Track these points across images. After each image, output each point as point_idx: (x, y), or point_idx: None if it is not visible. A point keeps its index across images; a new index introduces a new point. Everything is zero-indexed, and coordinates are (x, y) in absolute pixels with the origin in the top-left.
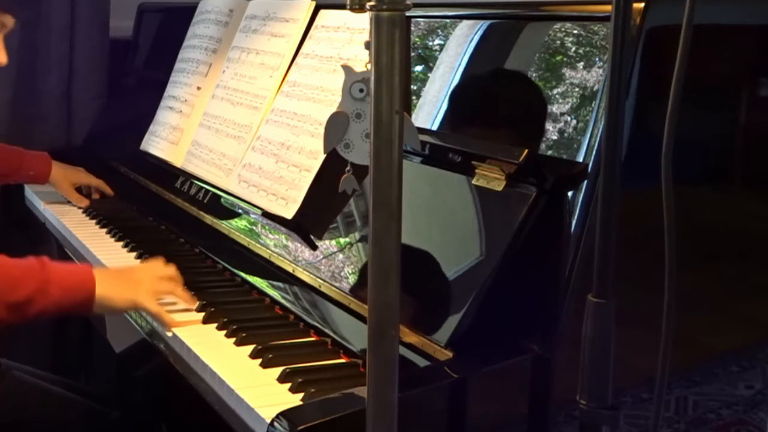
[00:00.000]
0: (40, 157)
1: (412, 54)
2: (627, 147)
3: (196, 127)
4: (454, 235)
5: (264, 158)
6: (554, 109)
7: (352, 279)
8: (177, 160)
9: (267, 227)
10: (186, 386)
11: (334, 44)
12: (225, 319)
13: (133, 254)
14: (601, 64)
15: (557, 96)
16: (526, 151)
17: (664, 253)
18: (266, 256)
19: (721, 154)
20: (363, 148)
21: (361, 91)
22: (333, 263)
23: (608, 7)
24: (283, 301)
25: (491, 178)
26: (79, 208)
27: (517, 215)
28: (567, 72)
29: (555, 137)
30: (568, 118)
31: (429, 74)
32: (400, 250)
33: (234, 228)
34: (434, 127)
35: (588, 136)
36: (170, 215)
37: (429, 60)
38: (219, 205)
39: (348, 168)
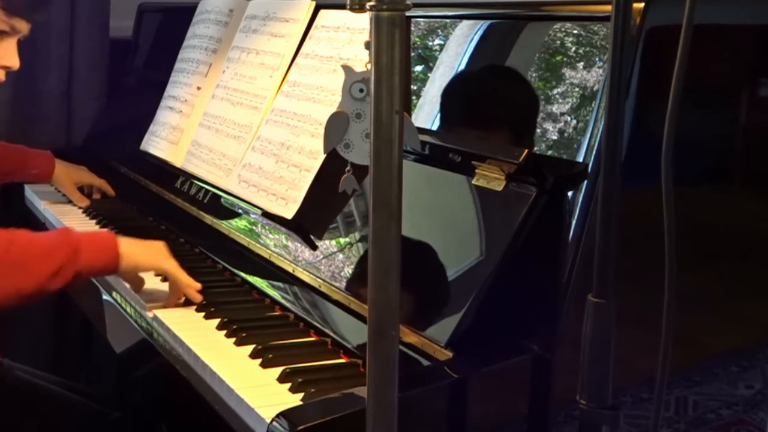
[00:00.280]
0: (43, 155)
1: (412, 54)
2: (627, 147)
3: (196, 127)
4: (454, 235)
5: (264, 158)
6: (554, 109)
7: (352, 279)
8: (177, 160)
9: (267, 227)
10: (186, 386)
11: (334, 44)
12: (225, 319)
13: None
14: (601, 64)
15: (557, 96)
16: (526, 151)
17: (664, 253)
18: (266, 256)
19: (721, 154)
20: (363, 148)
21: (361, 91)
22: (333, 263)
23: (608, 7)
24: (283, 301)
25: (491, 178)
26: (80, 207)
27: (517, 215)
28: (567, 72)
29: (555, 137)
30: (568, 118)
31: (429, 74)
32: (400, 250)
33: (234, 228)
34: (434, 127)
35: (588, 136)
36: (170, 215)
37: (429, 60)
38: (219, 205)
39: (348, 168)
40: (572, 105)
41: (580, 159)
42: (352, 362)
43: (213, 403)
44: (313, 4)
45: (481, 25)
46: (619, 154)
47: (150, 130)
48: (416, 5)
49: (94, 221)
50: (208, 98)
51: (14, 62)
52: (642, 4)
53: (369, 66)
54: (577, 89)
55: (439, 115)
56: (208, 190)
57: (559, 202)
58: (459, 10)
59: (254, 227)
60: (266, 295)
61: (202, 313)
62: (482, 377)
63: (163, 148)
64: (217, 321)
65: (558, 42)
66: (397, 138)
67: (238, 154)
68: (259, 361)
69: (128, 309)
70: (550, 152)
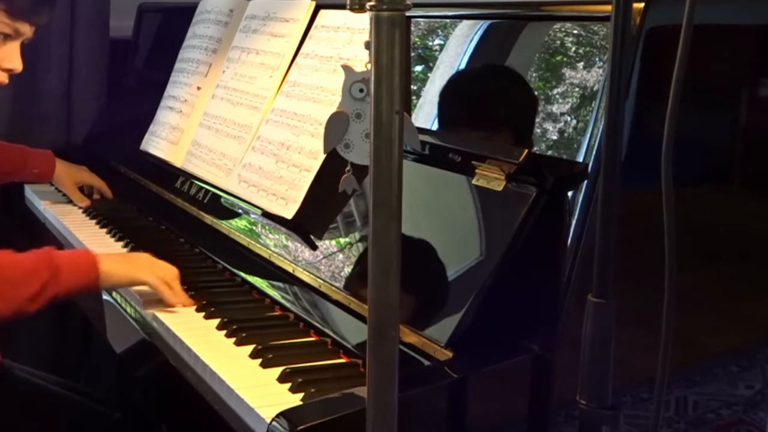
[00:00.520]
0: (44, 155)
1: (412, 54)
2: (627, 147)
3: (196, 127)
4: (454, 235)
5: (264, 158)
6: (554, 109)
7: (352, 279)
8: (177, 160)
9: (267, 227)
10: (186, 386)
11: (334, 44)
12: (225, 319)
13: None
14: (601, 64)
15: (557, 96)
16: (526, 151)
17: (664, 253)
18: (266, 256)
19: (721, 154)
20: (363, 148)
21: (361, 91)
22: (333, 263)
23: (608, 7)
24: (283, 301)
25: (491, 178)
26: (80, 207)
27: (517, 215)
28: (567, 72)
29: (555, 137)
30: (568, 118)
31: (429, 74)
32: (400, 250)
33: (234, 228)
34: (434, 127)
35: (588, 136)
36: (170, 215)
37: (429, 60)
38: (219, 205)
39: (348, 168)
40: (572, 105)
41: (580, 159)
42: (352, 362)
43: (213, 403)
44: (313, 4)
45: (481, 25)
46: (619, 154)
47: (150, 130)
48: (416, 5)
49: (94, 221)
50: (208, 98)
51: (17, 65)
52: (642, 4)
53: (369, 66)
54: (577, 89)
55: (439, 115)
56: (208, 190)
57: (559, 202)
58: (459, 10)
59: (254, 227)
60: (266, 295)
61: (202, 313)
62: (482, 377)
63: (163, 148)
64: (217, 321)
65: (558, 42)
66: (397, 138)
67: (238, 154)
68: (259, 361)
69: (128, 309)
70: (550, 152)
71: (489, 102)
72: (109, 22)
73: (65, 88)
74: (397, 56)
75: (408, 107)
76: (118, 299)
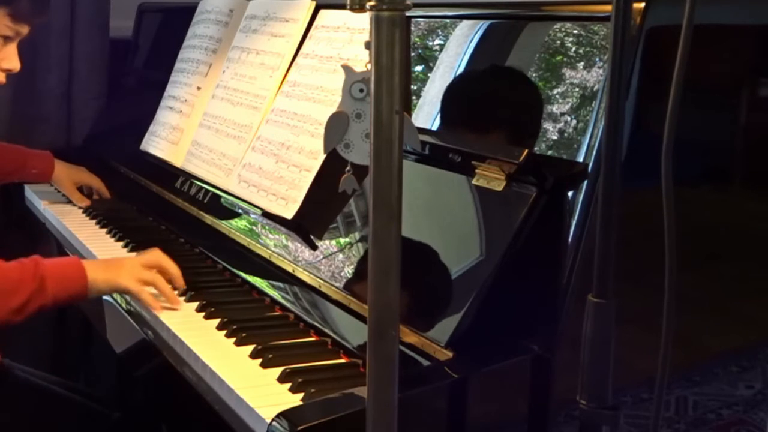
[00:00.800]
0: (43, 155)
1: (412, 54)
2: (627, 147)
3: (196, 127)
4: (454, 235)
5: (264, 158)
6: (554, 109)
7: (352, 279)
8: (177, 160)
9: (267, 227)
10: (186, 386)
11: (334, 44)
12: (225, 319)
13: (134, 254)
14: (601, 64)
15: (557, 96)
16: (526, 151)
17: (664, 253)
18: (266, 256)
19: (721, 154)
20: (363, 148)
21: (361, 91)
22: (333, 263)
23: (608, 7)
24: (283, 301)
25: (491, 178)
26: (80, 207)
27: (517, 215)
28: (567, 72)
29: (555, 137)
30: (568, 118)
31: (429, 74)
32: (400, 251)
33: (234, 228)
34: (434, 127)
35: (588, 136)
36: (170, 215)
37: (429, 60)
38: (219, 205)
39: (348, 168)
40: (572, 105)
41: (580, 159)
42: (352, 362)
43: (213, 403)
44: (313, 4)
45: (481, 25)
46: (619, 154)
47: (150, 130)
48: (416, 5)
49: (94, 221)
50: (208, 98)
51: (15, 65)
52: (642, 4)
53: (369, 66)
54: (577, 89)
55: (439, 115)
56: (208, 190)
57: (559, 203)
58: (459, 10)
59: (254, 227)
60: (266, 295)
61: (202, 314)
62: (482, 377)
63: (163, 148)
64: (217, 321)
65: (558, 42)
66: (397, 138)
67: (238, 154)
68: (259, 361)
69: (128, 309)
70: (550, 152)
71: (489, 102)
72: (109, 22)
73: (65, 88)
74: (397, 56)
75: (408, 107)
76: (118, 299)
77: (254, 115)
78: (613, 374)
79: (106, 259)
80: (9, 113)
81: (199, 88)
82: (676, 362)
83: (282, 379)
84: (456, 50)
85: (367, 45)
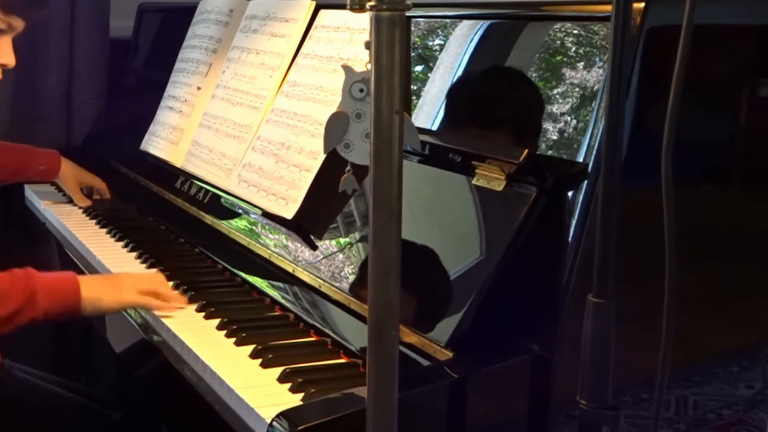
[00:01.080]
0: (50, 153)
1: (412, 54)
2: (627, 147)
3: (196, 127)
4: (454, 235)
5: (264, 158)
6: (554, 109)
7: (352, 279)
8: (177, 160)
9: (267, 227)
10: (186, 386)
11: (334, 44)
12: (225, 319)
13: (134, 254)
14: (601, 64)
15: (557, 96)
16: (526, 151)
17: (664, 253)
18: (266, 256)
19: (721, 154)
20: (363, 148)
21: (361, 91)
22: (333, 263)
23: (608, 7)
24: (283, 301)
25: (491, 178)
26: (80, 207)
27: (517, 215)
28: (567, 72)
29: (555, 137)
30: (568, 118)
31: (429, 74)
32: (400, 251)
33: (234, 228)
34: (434, 127)
35: (588, 136)
36: (170, 215)
37: (429, 60)
38: (219, 205)
39: (348, 168)
40: (572, 105)
41: (580, 159)
42: (352, 362)
43: (213, 404)
44: (313, 4)
45: (481, 25)
46: (619, 154)
47: (150, 130)
48: (416, 5)
49: (94, 221)
50: (208, 98)
51: (10, 60)
52: (642, 4)
53: (369, 66)
54: (577, 89)
55: (439, 115)
56: (208, 190)
57: (559, 203)
58: (459, 10)
59: (254, 227)
60: (266, 295)
61: (202, 314)
62: (482, 377)
63: (163, 148)
64: (217, 321)
65: (558, 42)
66: (397, 138)
67: (238, 154)
68: (259, 361)
69: (128, 309)
70: (550, 152)
71: (489, 102)
72: (109, 22)
73: (65, 88)
74: (397, 56)
75: (408, 107)
76: None
77: (254, 115)
78: (613, 374)
79: (102, 275)
80: (9, 113)
81: (199, 88)
82: (676, 362)
83: (282, 379)
84: (456, 50)
85: (367, 45)
